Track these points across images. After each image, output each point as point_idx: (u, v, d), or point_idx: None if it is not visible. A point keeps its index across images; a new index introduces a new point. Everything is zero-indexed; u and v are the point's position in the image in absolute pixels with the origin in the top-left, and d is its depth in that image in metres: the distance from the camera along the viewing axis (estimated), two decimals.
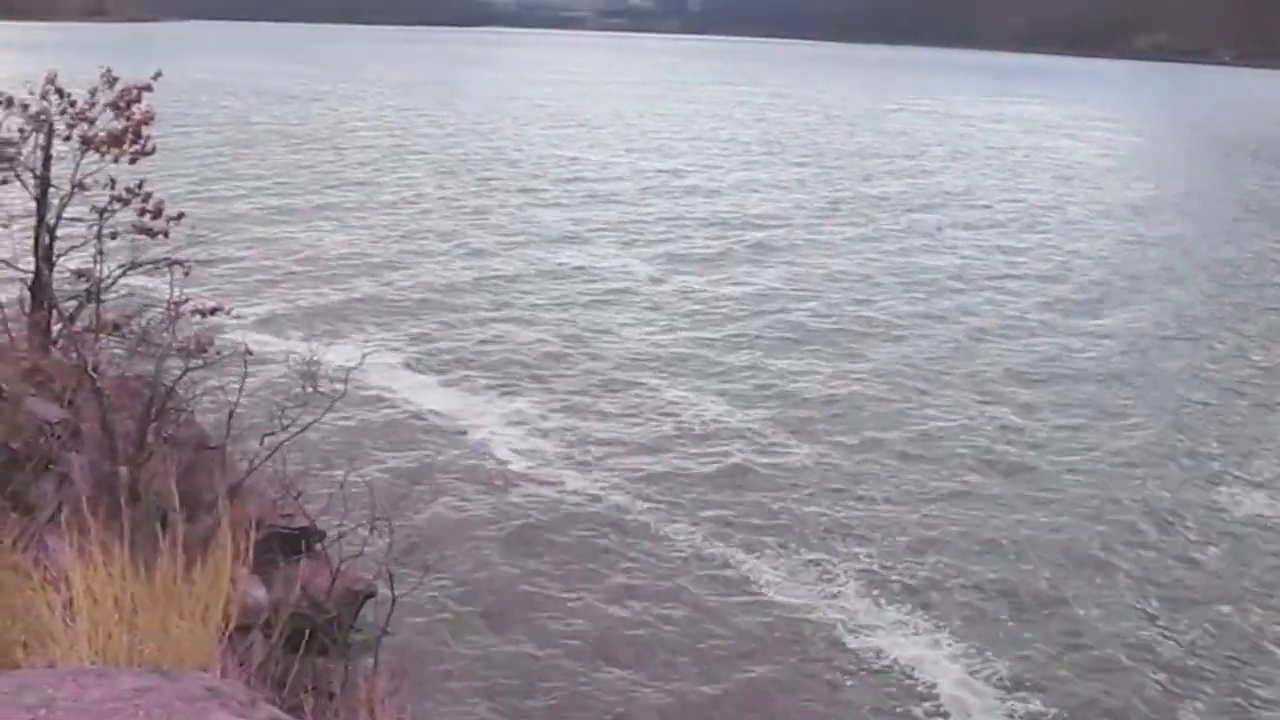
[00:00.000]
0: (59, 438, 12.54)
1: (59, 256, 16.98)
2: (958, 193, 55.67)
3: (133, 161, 16.87)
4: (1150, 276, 37.97)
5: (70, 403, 13.98)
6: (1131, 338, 30.09)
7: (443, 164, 57.50)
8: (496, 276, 33.58)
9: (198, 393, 14.32)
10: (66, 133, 16.98)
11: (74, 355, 15.96)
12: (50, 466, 12.20)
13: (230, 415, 13.07)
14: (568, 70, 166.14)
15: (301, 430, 13.06)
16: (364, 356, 16.20)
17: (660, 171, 58.24)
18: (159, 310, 17.31)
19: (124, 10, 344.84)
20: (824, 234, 43.18)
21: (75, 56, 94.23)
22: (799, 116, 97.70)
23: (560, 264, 35.46)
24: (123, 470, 11.70)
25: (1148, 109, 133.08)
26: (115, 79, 16.75)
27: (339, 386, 14.03)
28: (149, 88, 16.98)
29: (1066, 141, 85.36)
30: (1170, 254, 42.17)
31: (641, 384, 24.56)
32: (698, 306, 31.25)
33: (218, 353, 16.72)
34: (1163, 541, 18.24)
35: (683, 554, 16.98)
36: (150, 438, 13.18)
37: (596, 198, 48.84)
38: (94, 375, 11.85)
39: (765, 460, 20.70)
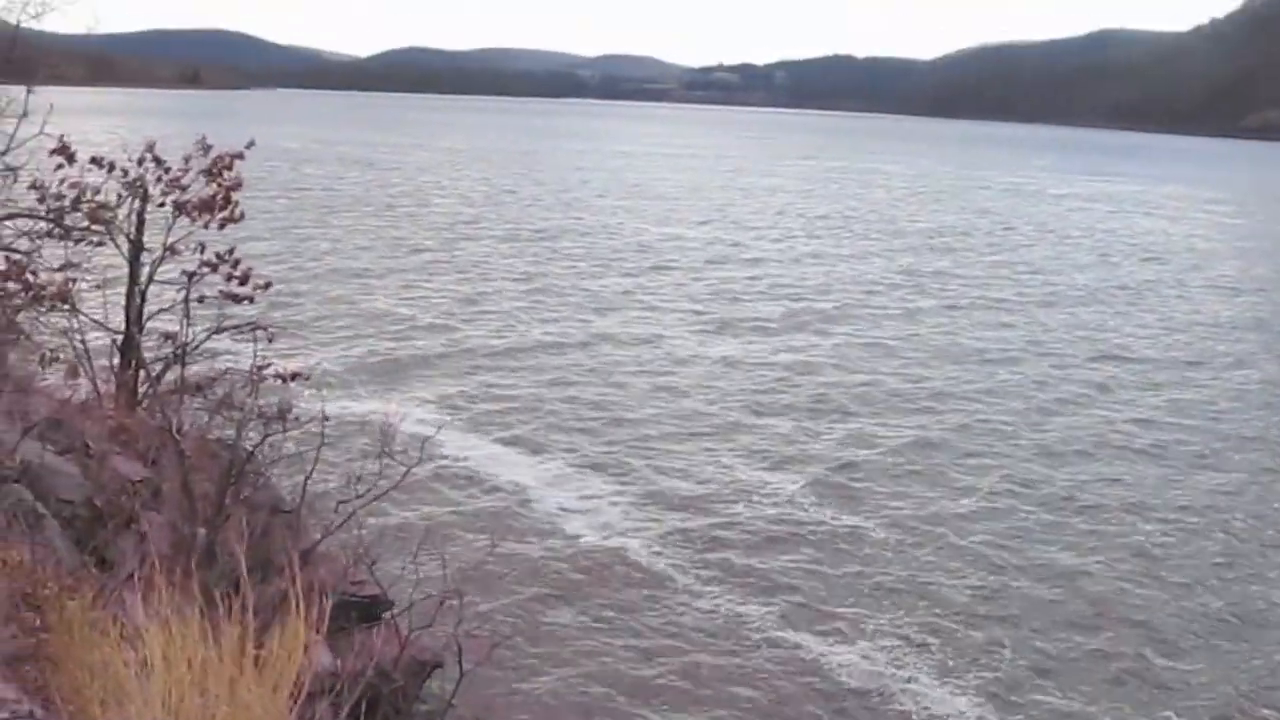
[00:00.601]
0: (140, 496, 12.72)
1: (148, 318, 17.37)
2: (1037, 270, 55.21)
3: (221, 227, 17.28)
4: (1236, 357, 37.32)
5: (153, 462, 14.21)
6: (1214, 415, 29.64)
7: (517, 233, 58.13)
8: (565, 344, 33.87)
9: (275, 456, 14.48)
10: (160, 198, 17.43)
11: (159, 416, 16.25)
12: (131, 524, 12.37)
13: (306, 480, 13.19)
14: (649, 142, 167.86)
15: (376, 498, 13.15)
16: (440, 427, 16.25)
17: (734, 244, 58.49)
18: (242, 374, 17.62)
19: (217, 79, 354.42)
20: (891, 307, 43.03)
21: (170, 122, 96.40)
22: (880, 191, 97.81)
23: (630, 334, 35.62)
24: (200, 532, 11.85)
25: (1253, 189, 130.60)
26: (209, 146, 17.19)
27: (414, 454, 14.11)
28: (241, 155, 17.40)
29: (1162, 222, 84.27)
30: (1268, 337, 41.46)
31: (711, 452, 24.55)
32: (762, 375, 31.34)
33: (295, 418, 16.95)
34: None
35: (760, 634, 16.83)
36: (228, 500, 13.35)
37: (665, 269, 49.21)
38: (177, 436, 12.04)
39: (827, 529, 20.56)
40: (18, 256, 15.62)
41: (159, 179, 17.18)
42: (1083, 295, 49.11)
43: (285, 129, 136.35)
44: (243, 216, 17.70)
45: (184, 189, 17.14)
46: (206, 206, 17.21)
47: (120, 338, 17.45)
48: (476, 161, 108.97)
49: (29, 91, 11.09)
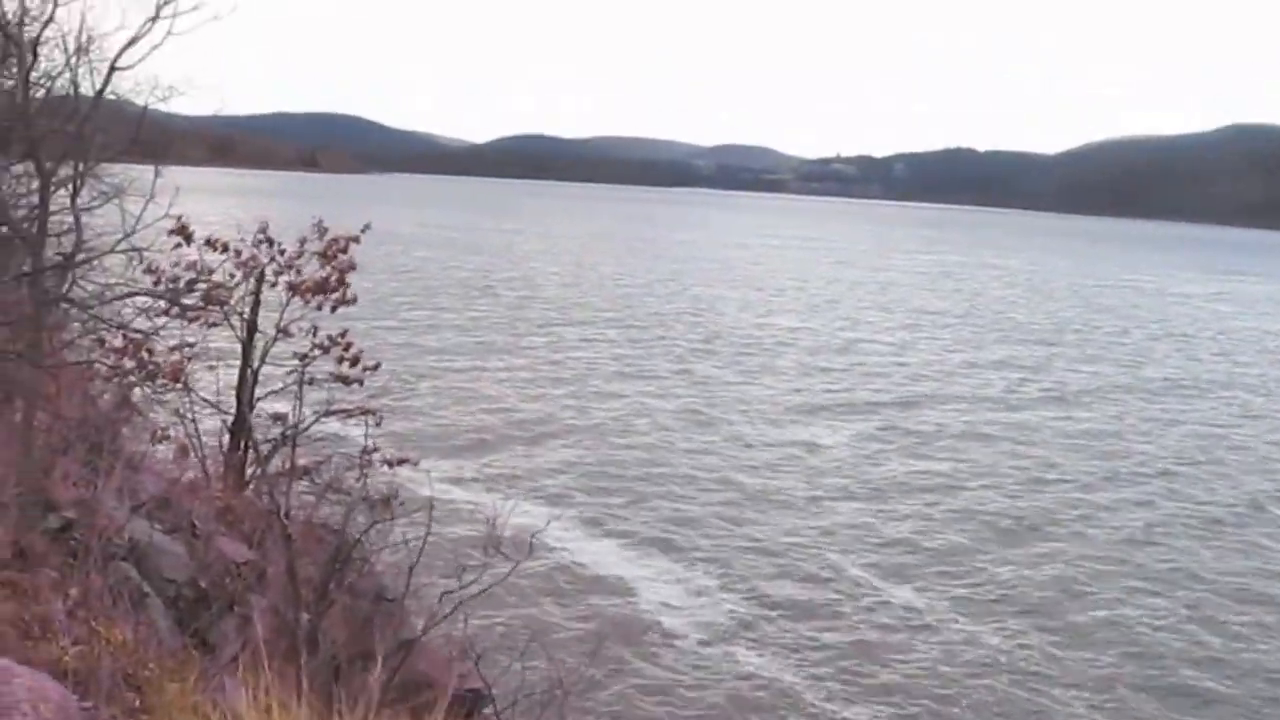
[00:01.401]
0: (245, 579, 12.53)
1: (259, 399, 17.35)
2: (1155, 373, 53.75)
3: (334, 309, 17.27)
4: None
5: (258, 544, 14.04)
6: None
7: (623, 321, 58.20)
8: (669, 432, 33.75)
9: (380, 543, 14.26)
10: (275, 279, 17.50)
11: (266, 497, 16.15)
12: (234, 607, 12.16)
13: (411, 569, 12.90)
14: (761, 233, 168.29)
15: (482, 590, 12.83)
16: (549, 521, 15.79)
17: (843, 338, 57.93)
18: (349, 457, 17.51)
19: (334, 162, 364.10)
20: (998, 400, 42.22)
21: (287, 203, 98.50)
22: (998, 288, 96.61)
23: (733, 426, 35.21)
24: (304, 617, 11.60)
25: None
26: (325, 229, 17.25)
27: (521, 545, 13.79)
28: (356, 239, 17.45)
29: None
30: None
31: (817, 548, 24.00)
32: (869, 470, 30.75)
33: (401, 503, 16.77)
34: None
35: None
36: (332, 586, 13.13)
37: (769, 359, 48.79)
38: (284, 520, 11.83)
39: (939, 637, 19.82)
40: (135, 335, 15.68)
41: (273, 260, 17.26)
42: (1200, 390, 47.84)
43: (398, 212, 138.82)
44: (355, 300, 17.69)
45: (298, 271, 17.19)
46: (320, 289, 17.25)
47: (230, 418, 17.44)
48: (587, 248, 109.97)
49: (157, 174, 11.09)
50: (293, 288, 17.35)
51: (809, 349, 53.06)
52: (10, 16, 10.89)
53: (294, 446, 15.98)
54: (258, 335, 17.44)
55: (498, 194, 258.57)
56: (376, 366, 17.81)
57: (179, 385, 16.99)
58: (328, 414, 17.32)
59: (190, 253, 16.86)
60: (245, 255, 17.21)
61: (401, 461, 17.29)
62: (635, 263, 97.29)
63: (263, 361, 17.27)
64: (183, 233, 16.60)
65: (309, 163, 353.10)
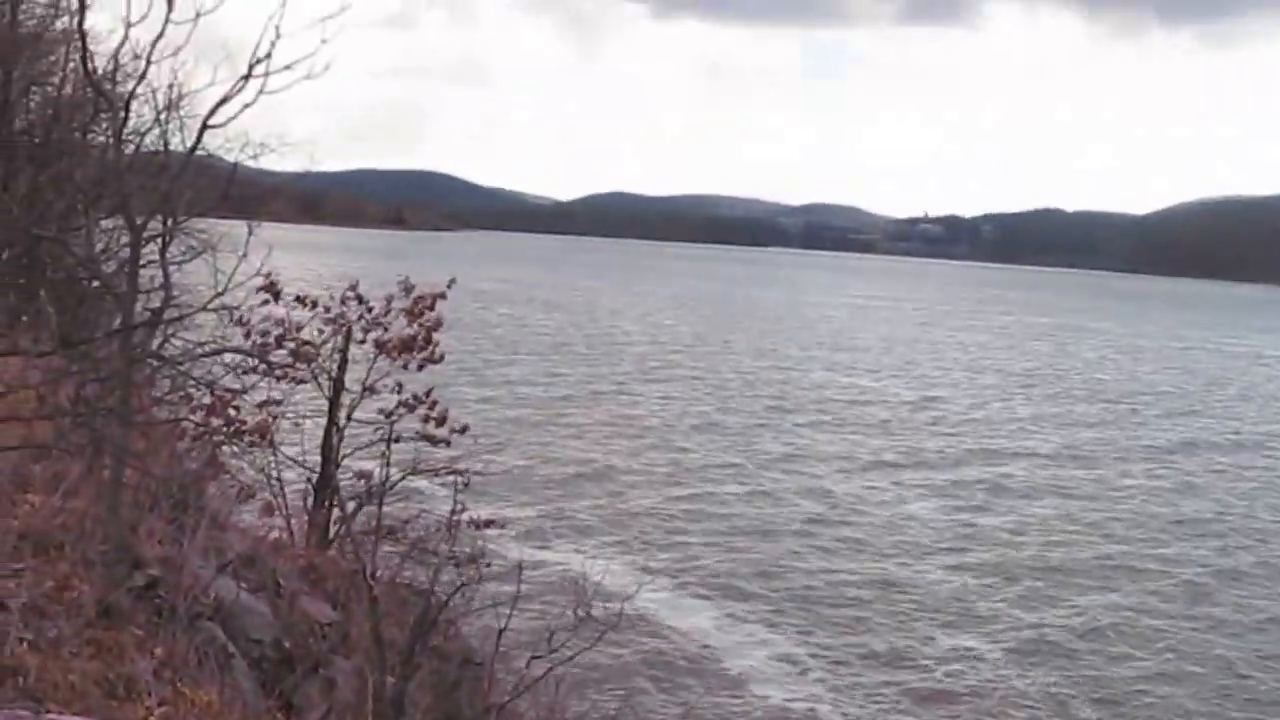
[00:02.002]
0: (329, 640, 12.29)
1: (344, 457, 17.20)
2: (1235, 439, 52.30)
3: (421, 368, 17.11)
4: None
5: (342, 604, 13.82)
6: None
7: (705, 379, 57.96)
8: (754, 492, 33.59)
9: (467, 605, 14.02)
10: (361, 337, 17.41)
11: (350, 556, 15.97)
12: (319, 669, 11.93)
13: (500, 633, 12.61)
14: (847, 292, 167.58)
15: (572, 655, 12.50)
16: (639, 585, 15.28)
17: (924, 398, 57.18)
18: (435, 517, 17.30)
19: (420, 219, 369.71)
20: (1077, 461, 41.34)
21: (373, 261, 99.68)
22: (1083, 350, 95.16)
23: (814, 484, 34.85)
24: (389, 681, 11.33)
25: None
26: (411, 286, 17.14)
27: (611, 610, 13.45)
28: (443, 295, 17.32)
29: None
30: None
31: (905, 612, 23.50)
32: (945, 530, 30.27)
33: (488, 564, 16.54)
34: None
35: None
36: (418, 649, 12.88)
37: (850, 418, 48.25)
38: (370, 581, 11.60)
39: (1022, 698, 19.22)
40: (222, 392, 15.63)
41: (361, 318, 17.18)
42: None
43: (480, 269, 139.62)
44: (442, 358, 17.54)
45: (385, 328, 17.08)
46: (407, 346, 17.12)
47: (315, 475, 17.32)
48: (670, 306, 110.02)
49: (250, 231, 11.03)
50: (379, 345, 17.24)
51: (890, 406, 52.52)
52: (102, 72, 10.92)
53: (380, 505, 15.81)
54: (344, 393, 17.32)
55: (583, 252, 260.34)
56: (464, 429, 17.58)
57: (265, 443, 16.91)
58: (414, 473, 17.16)
59: (278, 310, 16.84)
60: (333, 312, 17.15)
61: (489, 523, 17.07)
62: (717, 320, 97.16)
63: (349, 419, 17.13)
64: (271, 290, 16.59)
65: (395, 220, 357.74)
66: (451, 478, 17.13)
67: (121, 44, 9.46)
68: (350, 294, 17.21)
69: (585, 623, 12.67)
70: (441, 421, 17.60)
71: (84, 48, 10.20)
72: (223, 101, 9.58)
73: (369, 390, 17.26)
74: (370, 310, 17.21)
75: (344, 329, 17.15)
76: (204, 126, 9.77)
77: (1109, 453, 44.31)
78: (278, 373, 16.07)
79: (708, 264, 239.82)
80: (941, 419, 49.99)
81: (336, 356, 17.16)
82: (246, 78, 9.49)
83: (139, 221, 10.04)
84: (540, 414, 43.88)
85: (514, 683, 12.70)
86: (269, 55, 9.38)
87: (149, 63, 9.48)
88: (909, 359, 78.16)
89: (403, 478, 16.82)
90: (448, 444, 17.68)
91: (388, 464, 16.14)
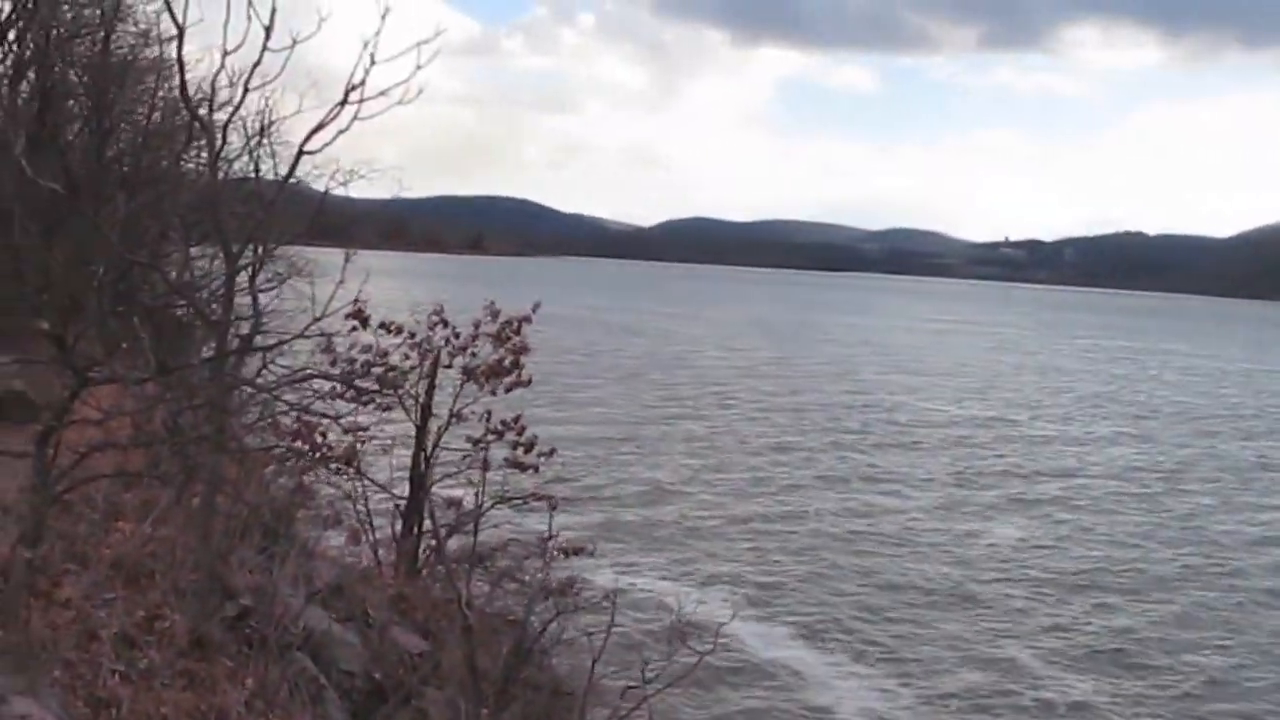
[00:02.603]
0: (420, 671, 12.11)
1: (432, 484, 17.09)
2: None
3: (508, 391, 16.97)
4: None
5: (432, 634, 13.66)
6: None
7: (785, 404, 57.38)
8: (830, 514, 32.68)
9: (559, 634, 13.81)
10: (448, 362, 17.31)
11: (440, 585, 15.83)
12: (410, 701, 11.75)
13: (594, 663, 12.34)
14: (927, 317, 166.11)
15: (665, 687, 12.20)
16: (734, 614, 14.80)
17: (993, 419, 56.17)
18: (525, 544, 17.11)
19: (500, 245, 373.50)
20: (1155, 490, 40.29)
21: (454, 285, 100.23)
22: (1163, 374, 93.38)
23: (893, 511, 34.07)
24: (483, 712, 11.11)
25: None
26: (497, 311, 17.01)
27: (704, 640, 13.12)
28: (529, 319, 17.18)
29: None
30: None
31: (998, 638, 22.82)
32: (1030, 556, 29.38)
33: (577, 592, 16.29)
34: None
35: None
36: (511, 679, 12.68)
37: (930, 444, 47.43)
38: (466, 610, 11.40)
39: None
40: (311, 418, 15.56)
41: (447, 342, 17.09)
42: None
43: (559, 294, 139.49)
44: (530, 381, 17.38)
45: (473, 353, 16.98)
46: (494, 372, 16.99)
47: (403, 503, 17.23)
48: (749, 332, 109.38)
49: (347, 259, 10.99)
50: (467, 371, 17.13)
51: (969, 431, 51.65)
52: (197, 100, 10.89)
53: (475, 533, 15.66)
54: (431, 419, 17.23)
55: (662, 278, 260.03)
56: (551, 453, 17.40)
57: (352, 469, 16.85)
58: (502, 500, 17.01)
59: (366, 336, 16.77)
60: (420, 338, 17.07)
61: (579, 550, 16.85)
62: (796, 347, 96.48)
63: (437, 446, 17.02)
64: (359, 316, 16.52)
65: (474, 246, 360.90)
66: (540, 503, 17.00)
67: (218, 71, 9.43)
68: (437, 319, 17.13)
69: (678, 652, 12.38)
70: (530, 448, 17.46)
71: (182, 76, 10.19)
72: (319, 128, 9.51)
73: (456, 417, 17.16)
74: (457, 335, 17.11)
75: (431, 355, 17.07)
76: (300, 153, 9.70)
77: (1192, 477, 43.24)
78: (365, 399, 16.00)
79: (788, 289, 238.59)
80: (1022, 441, 48.96)
81: (423, 382, 17.08)
82: (343, 104, 9.40)
83: (234, 249, 9.99)
84: (622, 439, 43.59)
85: (608, 715, 12.42)
86: (363, 81, 9.31)
87: (246, 89, 9.43)
88: (989, 383, 76.98)
89: (492, 505, 16.67)
90: (535, 470, 17.53)
91: (481, 491, 16.01)
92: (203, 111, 10.38)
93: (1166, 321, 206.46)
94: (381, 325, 17.09)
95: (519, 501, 17.26)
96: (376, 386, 16.04)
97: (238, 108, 10.09)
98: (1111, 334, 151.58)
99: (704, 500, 34.08)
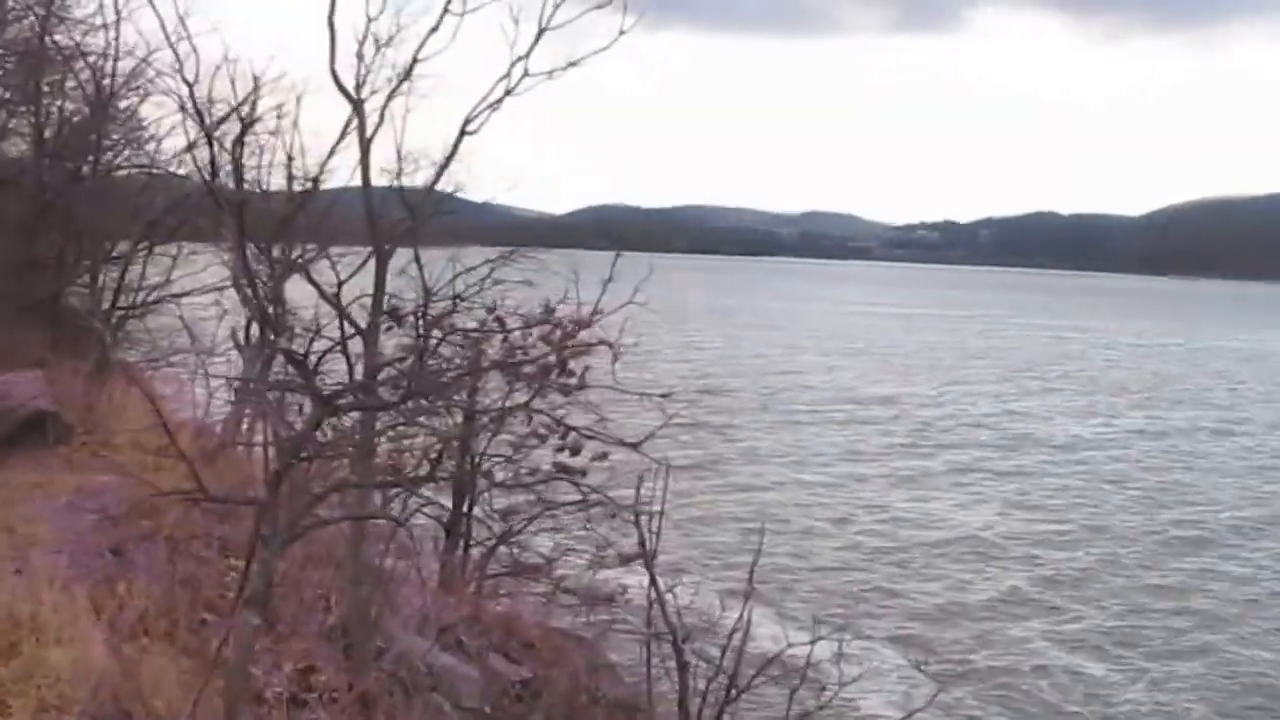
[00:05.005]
0: (523, 701, 11.31)
1: (479, 492, 16.27)
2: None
3: (566, 393, 16.07)
4: None
5: (513, 658, 12.87)
6: None
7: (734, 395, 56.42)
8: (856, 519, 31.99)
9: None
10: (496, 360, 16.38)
11: (498, 602, 15.06)
12: None
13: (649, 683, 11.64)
14: (843, 300, 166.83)
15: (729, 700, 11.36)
16: (785, 641, 13.39)
17: (963, 408, 56.18)
18: (578, 553, 16.39)
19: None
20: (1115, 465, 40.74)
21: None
22: (1095, 350, 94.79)
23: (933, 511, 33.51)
24: None
25: None
26: (553, 310, 16.09)
27: (762, 652, 12.34)
28: (587, 323, 16.29)
29: None
30: None
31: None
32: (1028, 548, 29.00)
33: (628, 601, 15.60)
34: None
35: None
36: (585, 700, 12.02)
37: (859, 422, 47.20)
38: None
39: None
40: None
41: (504, 340, 16.15)
42: None
43: None
44: (580, 385, 16.47)
45: (526, 353, 16.04)
46: (545, 373, 16.08)
47: (447, 515, 16.41)
48: (669, 318, 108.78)
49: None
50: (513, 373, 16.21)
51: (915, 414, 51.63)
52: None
53: (551, 555, 14.87)
54: (474, 423, 16.32)
55: (578, 265, 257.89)
56: (604, 456, 16.52)
57: (398, 478, 15.92)
58: (551, 508, 16.24)
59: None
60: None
61: (631, 559, 16.07)
62: (718, 331, 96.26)
63: (484, 453, 16.17)
64: (395, 316, 15.55)
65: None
66: (590, 510, 16.23)
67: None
68: (489, 317, 16.15)
69: (744, 663, 11.49)
70: (576, 452, 16.62)
71: None
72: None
73: (502, 418, 16.24)
74: (508, 335, 16.16)
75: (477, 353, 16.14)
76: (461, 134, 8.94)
77: (1138, 452, 44.12)
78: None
79: (708, 275, 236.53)
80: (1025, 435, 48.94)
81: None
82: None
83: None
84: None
85: None
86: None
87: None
88: (925, 364, 77.08)
89: (541, 513, 15.94)
90: (584, 474, 16.70)
91: (538, 499, 15.25)
92: None
93: (1084, 299, 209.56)
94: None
95: (569, 507, 16.42)
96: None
97: None
98: (1032, 312, 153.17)
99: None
